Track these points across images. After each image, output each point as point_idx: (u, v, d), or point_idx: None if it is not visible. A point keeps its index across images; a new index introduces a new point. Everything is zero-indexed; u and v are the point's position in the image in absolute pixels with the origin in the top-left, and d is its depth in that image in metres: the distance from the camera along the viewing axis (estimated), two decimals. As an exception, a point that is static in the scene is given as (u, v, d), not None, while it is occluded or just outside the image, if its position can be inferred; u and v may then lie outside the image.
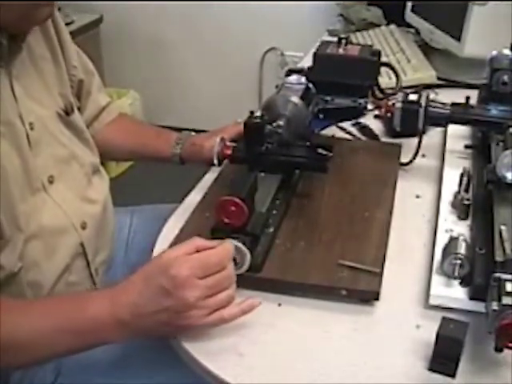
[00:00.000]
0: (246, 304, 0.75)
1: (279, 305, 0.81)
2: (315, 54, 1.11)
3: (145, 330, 0.75)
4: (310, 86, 1.07)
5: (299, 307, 0.80)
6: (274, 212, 0.92)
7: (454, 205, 0.95)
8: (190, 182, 1.09)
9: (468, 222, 0.92)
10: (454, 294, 0.79)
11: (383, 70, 1.22)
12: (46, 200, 0.93)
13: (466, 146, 1.13)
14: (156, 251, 0.90)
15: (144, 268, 0.76)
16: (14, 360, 0.77)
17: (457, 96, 1.10)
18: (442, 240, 0.86)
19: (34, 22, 0.89)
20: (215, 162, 0.96)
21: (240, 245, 0.78)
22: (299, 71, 1.12)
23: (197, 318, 0.72)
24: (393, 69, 1.19)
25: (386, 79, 1.36)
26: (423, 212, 0.99)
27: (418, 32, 1.76)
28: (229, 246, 0.76)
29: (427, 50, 1.65)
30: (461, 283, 0.80)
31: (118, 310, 0.73)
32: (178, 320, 0.72)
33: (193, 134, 1.17)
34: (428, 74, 1.49)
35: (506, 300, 0.67)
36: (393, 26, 1.80)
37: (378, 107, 1.31)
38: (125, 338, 0.76)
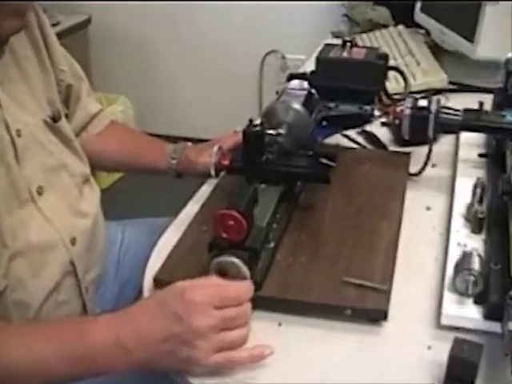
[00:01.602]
0: (257, 352, 0.74)
1: (279, 324, 0.81)
2: (318, 58, 1.11)
3: (147, 360, 0.73)
4: (313, 91, 1.08)
5: (301, 326, 0.80)
6: (275, 226, 0.92)
7: (467, 217, 0.95)
8: (185, 194, 1.09)
9: (482, 235, 0.92)
10: (467, 313, 0.79)
11: (391, 74, 1.23)
12: (35, 213, 0.93)
13: (480, 155, 1.14)
14: (149, 267, 0.90)
15: (157, 293, 0.77)
16: None
17: (469, 101, 1.11)
18: (454, 255, 0.86)
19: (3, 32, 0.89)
20: (212, 173, 0.95)
21: (238, 261, 0.78)
22: (301, 76, 1.13)
23: (202, 352, 0.71)
24: (401, 73, 1.20)
25: (393, 84, 1.37)
26: (434, 225, 1.00)
27: (428, 33, 1.77)
28: (249, 284, 0.77)
29: (438, 52, 1.66)
30: (475, 301, 0.80)
31: (124, 335, 0.73)
32: (182, 350, 0.71)
33: (189, 144, 1.18)
34: (439, 78, 1.50)
35: (522, 319, 0.68)
36: (401, 27, 1.81)
37: (385, 114, 1.31)
38: (126, 367, 0.75)
